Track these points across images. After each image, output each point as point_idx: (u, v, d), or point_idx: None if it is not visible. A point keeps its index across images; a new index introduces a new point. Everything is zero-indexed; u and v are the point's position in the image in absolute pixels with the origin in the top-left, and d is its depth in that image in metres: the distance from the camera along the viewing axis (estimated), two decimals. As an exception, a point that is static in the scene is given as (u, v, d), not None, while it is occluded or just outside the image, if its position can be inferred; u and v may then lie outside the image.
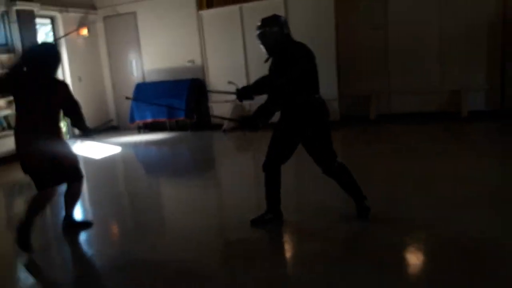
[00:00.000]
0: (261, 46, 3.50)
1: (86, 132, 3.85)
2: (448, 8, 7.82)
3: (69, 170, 3.69)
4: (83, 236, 3.92)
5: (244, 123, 3.64)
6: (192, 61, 9.45)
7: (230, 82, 4.13)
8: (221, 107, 8.74)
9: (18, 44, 8.10)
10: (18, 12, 8.10)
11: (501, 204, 3.83)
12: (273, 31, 3.42)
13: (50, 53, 3.56)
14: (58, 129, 3.69)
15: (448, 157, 5.63)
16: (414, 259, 3.04)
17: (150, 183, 5.99)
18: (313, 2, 8.21)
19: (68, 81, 9.55)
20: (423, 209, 3.80)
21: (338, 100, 8.18)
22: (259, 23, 3.50)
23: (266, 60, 3.59)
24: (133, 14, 9.91)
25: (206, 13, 9.21)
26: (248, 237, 3.53)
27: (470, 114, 7.70)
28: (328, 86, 7.89)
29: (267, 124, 3.49)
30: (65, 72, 9.52)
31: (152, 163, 7.44)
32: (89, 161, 7.23)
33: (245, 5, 8.69)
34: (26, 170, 3.47)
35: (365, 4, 8.36)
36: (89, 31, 9.85)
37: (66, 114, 3.77)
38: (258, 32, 3.48)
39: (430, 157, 5.64)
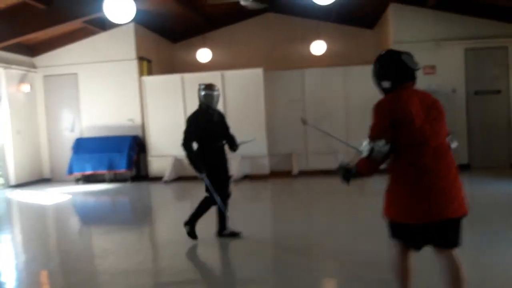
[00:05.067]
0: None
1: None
2: (350, 85, 9.80)
3: None
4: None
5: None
6: (132, 120, 10.33)
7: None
8: (160, 161, 9.80)
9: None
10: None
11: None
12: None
13: None
14: None
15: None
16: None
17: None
18: (245, 78, 9.77)
19: (8, 134, 9.83)
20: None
21: (267, 157, 9.61)
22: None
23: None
24: (74, 75, 10.64)
25: (148, 79, 10.35)
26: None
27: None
28: (260, 146, 9.37)
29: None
30: (5, 125, 9.81)
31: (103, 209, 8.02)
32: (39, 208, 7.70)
33: (186, 75, 10.05)
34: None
35: (285, 80, 10.09)
36: (30, 87, 10.37)
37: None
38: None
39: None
